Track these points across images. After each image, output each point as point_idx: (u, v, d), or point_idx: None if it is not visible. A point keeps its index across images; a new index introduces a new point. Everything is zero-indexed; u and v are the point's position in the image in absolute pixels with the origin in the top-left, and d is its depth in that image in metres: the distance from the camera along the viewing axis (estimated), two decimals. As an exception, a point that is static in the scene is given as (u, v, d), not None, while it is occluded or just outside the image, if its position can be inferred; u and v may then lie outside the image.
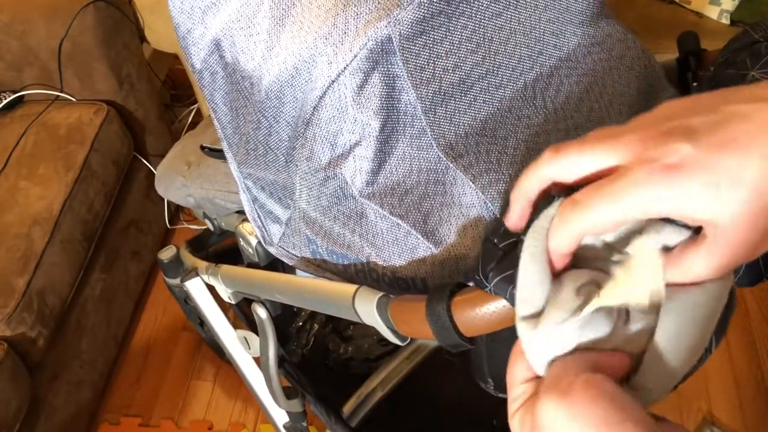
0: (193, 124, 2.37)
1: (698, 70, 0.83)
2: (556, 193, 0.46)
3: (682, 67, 0.87)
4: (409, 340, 0.66)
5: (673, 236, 0.43)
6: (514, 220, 0.50)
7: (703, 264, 0.41)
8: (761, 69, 0.63)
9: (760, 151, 0.38)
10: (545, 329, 0.44)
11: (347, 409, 1.06)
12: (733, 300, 0.45)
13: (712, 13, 1.87)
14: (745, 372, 1.77)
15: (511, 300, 0.52)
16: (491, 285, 0.53)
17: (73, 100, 1.86)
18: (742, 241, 0.39)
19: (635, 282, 0.44)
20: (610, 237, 0.46)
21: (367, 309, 0.66)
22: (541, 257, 0.46)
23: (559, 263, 0.46)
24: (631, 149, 0.41)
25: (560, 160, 0.45)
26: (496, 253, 0.54)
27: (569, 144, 0.45)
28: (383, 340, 1.31)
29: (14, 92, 1.83)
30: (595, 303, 0.44)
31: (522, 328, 0.46)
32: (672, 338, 0.42)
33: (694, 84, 0.79)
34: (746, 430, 1.67)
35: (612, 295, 0.44)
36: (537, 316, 0.45)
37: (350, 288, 0.69)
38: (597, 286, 0.45)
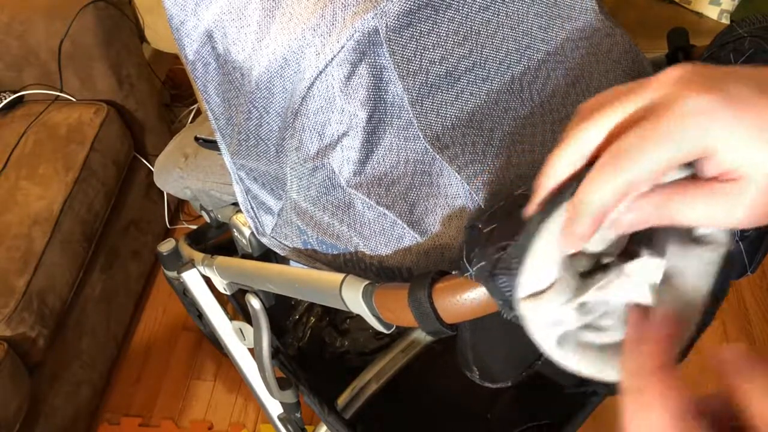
0: (194, 125, 2.37)
1: (686, 65, 0.83)
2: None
3: (670, 62, 0.87)
4: (394, 327, 0.67)
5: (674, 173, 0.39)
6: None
7: (722, 210, 0.36)
8: (744, 64, 0.64)
9: None
10: (549, 307, 0.44)
11: (341, 401, 1.06)
12: (732, 266, 0.45)
13: (712, 13, 1.87)
14: (744, 372, 1.76)
15: (492, 290, 0.52)
16: (473, 270, 0.54)
17: (73, 100, 1.86)
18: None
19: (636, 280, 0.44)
20: (596, 246, 0.45)
21: (353, 297, 0.67)
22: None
23: (583, 233, 0.39)
24: (668, 87, 0.36)
25: (598, 119, 0.39)
26: (480, 238, 0.54)
27: (593, 103, 0.40)
28: (379, 334, 1.32)
29: (14, 92, 1.83)
30: (596, 292, 0.44)
31: (525, 307, 0.45)
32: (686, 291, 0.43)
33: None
34: (746, 430, 1.66)
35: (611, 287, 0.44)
36: (539, 294, 0.44)
37: (338, 277, 0.70)
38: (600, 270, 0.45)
